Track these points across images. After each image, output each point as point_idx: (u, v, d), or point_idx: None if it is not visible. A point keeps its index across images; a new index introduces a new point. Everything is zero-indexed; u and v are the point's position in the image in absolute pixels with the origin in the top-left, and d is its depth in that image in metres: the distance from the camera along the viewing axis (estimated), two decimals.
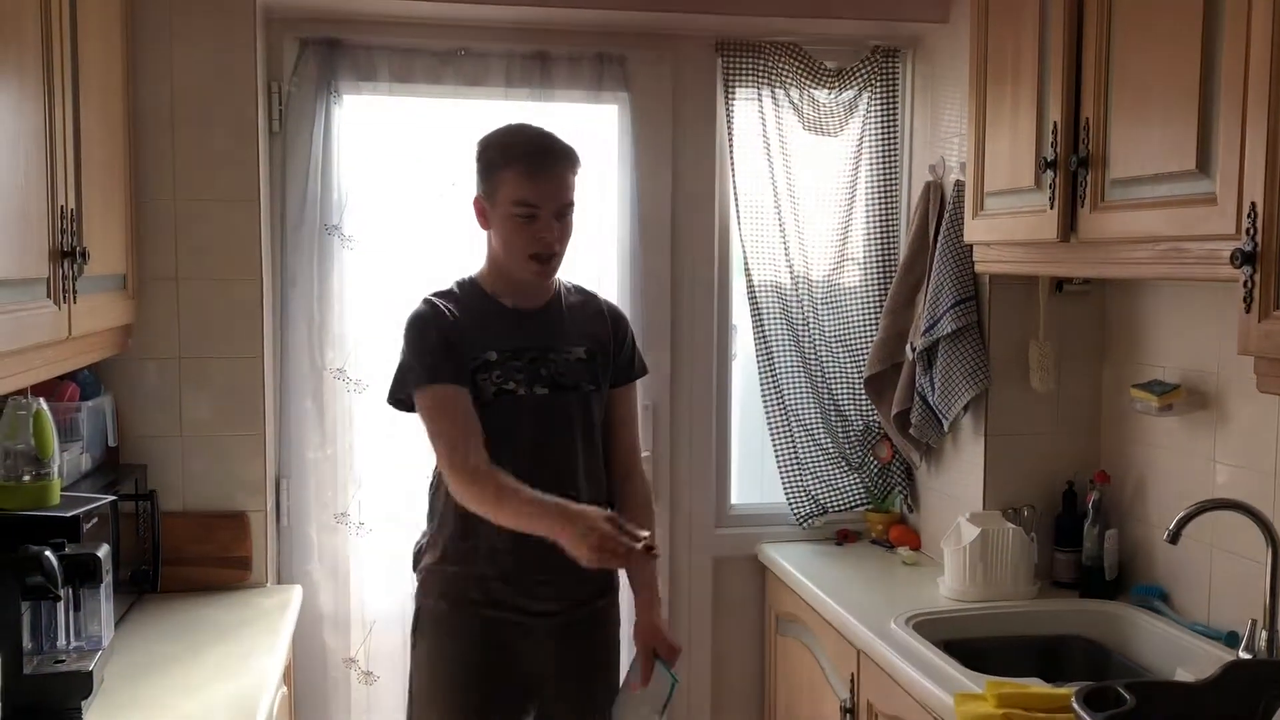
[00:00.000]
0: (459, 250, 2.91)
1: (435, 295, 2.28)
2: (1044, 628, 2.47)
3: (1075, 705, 1.69)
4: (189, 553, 2.65)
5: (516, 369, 2.23)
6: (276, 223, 2.87)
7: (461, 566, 2.23)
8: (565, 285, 2.36)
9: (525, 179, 2.13)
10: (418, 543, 2.34)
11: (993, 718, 1.80)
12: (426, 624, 2.28)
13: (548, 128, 2.24)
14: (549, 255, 2.19)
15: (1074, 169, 2.10)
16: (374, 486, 2.96)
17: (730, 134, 3.09)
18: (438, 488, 2.28)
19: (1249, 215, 1.60)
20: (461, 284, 2.30)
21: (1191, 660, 2.11)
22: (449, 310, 2.23)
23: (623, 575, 2.35)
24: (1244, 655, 1.95)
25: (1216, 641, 2.19)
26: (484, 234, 2.26)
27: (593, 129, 3.02)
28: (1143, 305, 2.59)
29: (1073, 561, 2.65)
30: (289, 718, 2.63)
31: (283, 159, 2.87)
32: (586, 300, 2.39)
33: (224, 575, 2.68)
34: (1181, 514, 1.98)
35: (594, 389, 2.30)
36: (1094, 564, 2.59)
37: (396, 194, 2.97)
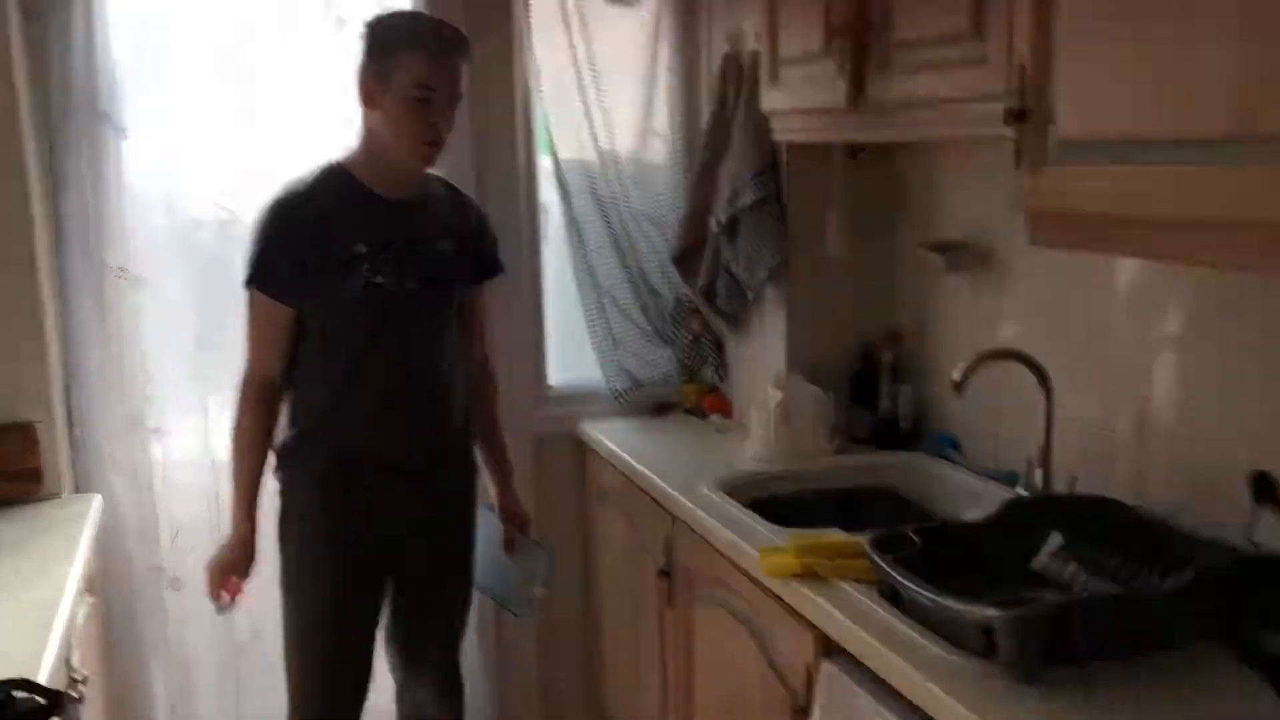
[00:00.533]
0: (254, 131, 2.79)
1: (298, 185, 2.24)
2: (844, 481, 2.59)
3: (868, 550, 1.79)
4: None
5: (387, 261, 2.23)
6: (41, 113, 2.65)
7: (320, 452, 2.30)
8: (431, 176, 2.37)
9: (429, 61, 2.16)
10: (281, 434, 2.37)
11: (792, 567, 1.89)
12: (290, 514, 2.36)
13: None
14: (439, 141, 2.21)
15: (860, 34, 2.13)
16: (168, 389, 2.84)
17: (528, 7, 3.01)
18: (288, 375, 2.31)
19: (1019, 75, 1.66)
20: (328, 170, 2.26)
21: (980, 503, 2.25)
22: (305, 208, 2.22)
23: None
24: (1021, 493, 2.09)
25: (1002, 484, 2.33)
26: (351, 121, 2.27)
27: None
28: (932, 169, 2.67)
29: (870, 418, 2.78)
30: (99, 627, 2.55)
31: (43, 41, 2.63)
32: (452, 193, 2.42)
33: (12, 489, 2.53)
34: (964, 364, 2.08)
35: (458, 283, 2.35)
36: (890, 418, 2.72)
37: (177, 75, 2.77)
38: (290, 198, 2.25)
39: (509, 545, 2.63)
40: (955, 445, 2.59)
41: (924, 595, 1.62)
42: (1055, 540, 1.79)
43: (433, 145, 2.22)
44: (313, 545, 2.35)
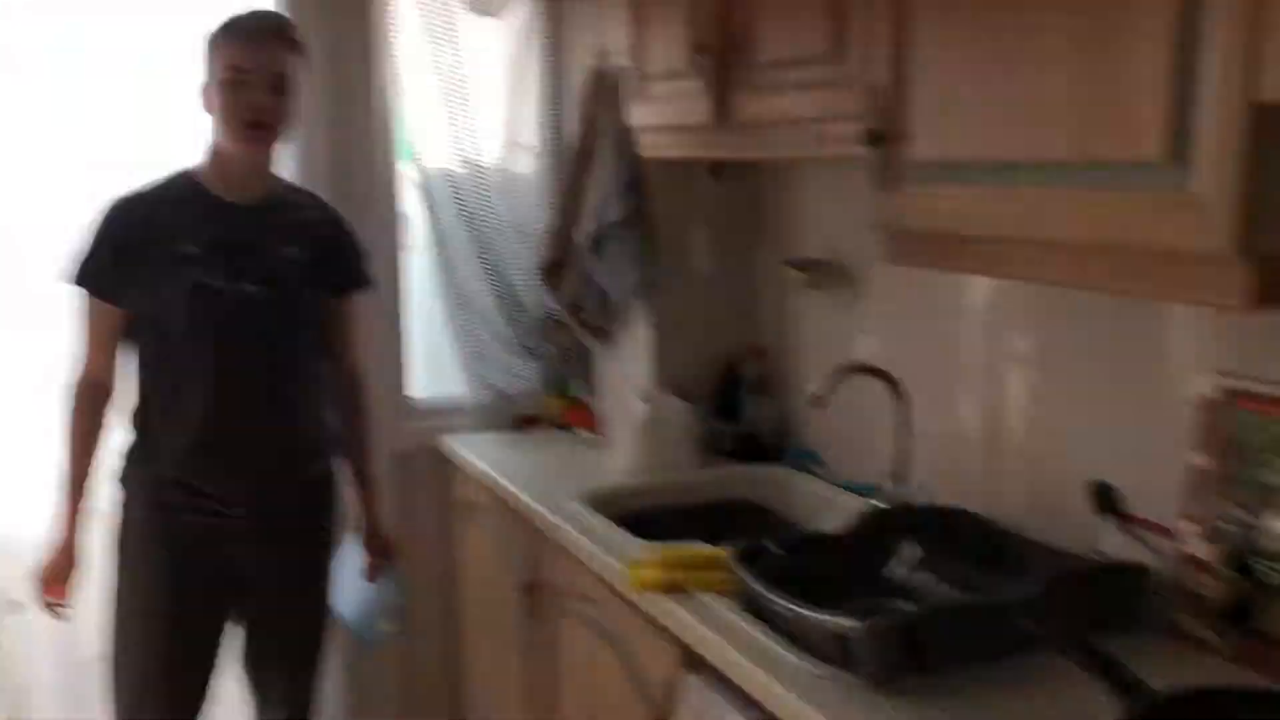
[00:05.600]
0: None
1: (135, 190, 2.21)
2: (708, 494, 2.61)
3: (730, 562, 1.80)
4: None
5: (219, 263, 2.17)
6: None
7: (151, 467, 2.21)
8: (287, 184, 2.36)
9: (237, 45, 2.15)
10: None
11: (658, 580, 1.89)
12: (121, 530, 2.26)
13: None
14: (260, 124, 2.17)
15: (724, 54, 2.16)
16: None
17: (389, 17, 2.96)
18: (133, 389, 2.25)
19: (875, 97, 1.71)
20: (173, 175, 2.24)
21: (840, 514, 2.29)
22: (138, 209, 2.18)
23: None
24: (878, 505, 2.14)
25: (861, 496, 2.39)
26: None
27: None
28: (793, 186, 2.73)
29: (734, 432, 2.81)
30: None
31: None
32: (308, 201, 2.38)
33: None
34: (823, 379, 2.12)
35: (306, 291, 2.27)
36: (752, 432, 2.76)
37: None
38: (125, 198, 2.22)
39: (370, 574, 2.57)
40: (816, 459, 2.64)
41: (782, 606, 1.64)
42: (910, 550, 1.84)
43: (254, 127, 2.17)
44: (144, 570, 2.25)
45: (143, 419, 2.25)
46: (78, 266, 2.19)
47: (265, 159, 2.26)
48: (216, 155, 2.23)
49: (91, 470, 2.24)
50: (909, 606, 1.74)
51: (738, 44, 2.13)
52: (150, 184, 2.24)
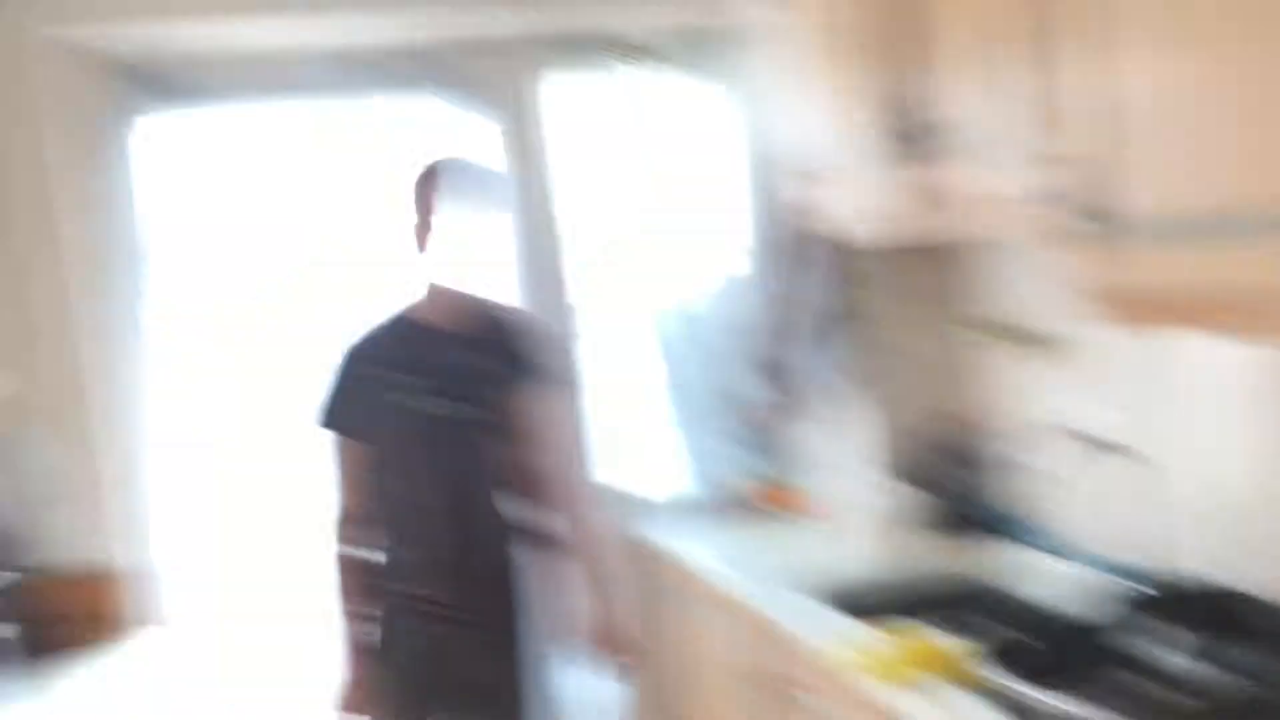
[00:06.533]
0: (280, 271, 2.84)
1: (366, 332, 2.40)
2: (931, 574, 2.48)
3: (984, 663, 1.70)
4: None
5: (423, 389, 2.32)
6: (78, 258, 2.66)
7: (402, 585, 2.34)
8: (486, 303, 2.48)
9: (450, 193, 2.30)
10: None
11: (893, 670, 1.81)
12: (387, 648, 2.37)
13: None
14: (473, 264, 2.34)
15: (919, 136, 2.10)
16: (232, 526, 2.86)
17: (596, 128, 3.08)
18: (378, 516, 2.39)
19: (1087, 166, 1.62)
20: (396, 314, 2.41)
21: (1074, 592, 2.15)
22: (364, 353, 2.36)
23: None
24: (1137, 587, 1.98)
25: (1096, 571, 2.24)
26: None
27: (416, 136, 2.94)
28: (1000, 253, 2.63)
29: (952, 507, 2.70)
30: None
31: (84, 191, 2.66)
32: (504, 316, 2.51)
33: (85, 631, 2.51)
34: (1041, 449, 2.01)
35: (514, 401, 2.40)
36: (970, 507, 2.65)
37: (209, 217, 2.85)
38: (355, 341, 2.40)
39: (607, 671, 2.57)
40: (1037, 532, 2.51)
41: (1057, 709, 1.53)
42: (1186, 638, 1.70)
43: (465, 266, 2.34)
44: (394, 677, 2.36)
45: (388, 541, 2.37)
46: (326, 411, 2.36)
47: (472, 291, 2.41)
48: (427, 289, 2.38)
49: (364, 602, 2.36)
50: (1194, 702, 1.61)
51: (935, 124, 2.07)
52: (376, 325, 2.41)
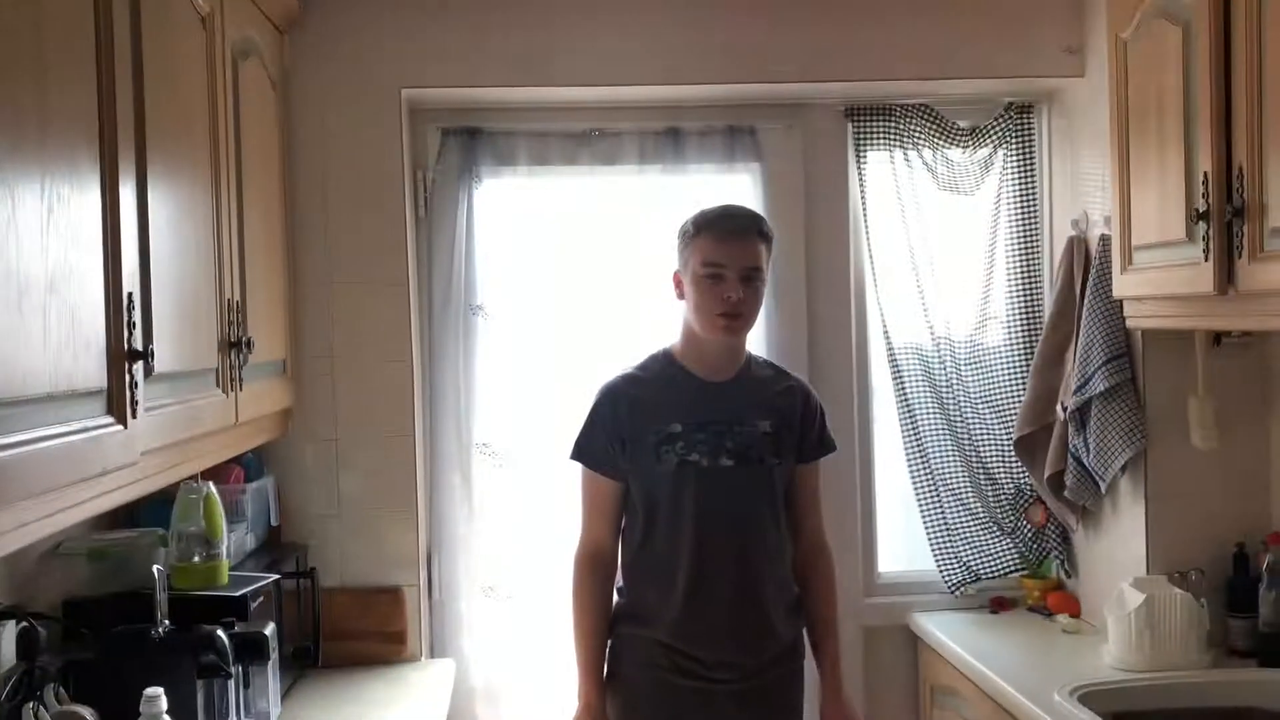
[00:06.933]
0: (596, 324, 3.00)
1: (625, 371, 2.43)
2: (1222, 700, 2.34)
3: None
4: (347, 628, 2.73)
5: (700, 440, 2.33)
6: (424, 304, 2.98)
7: (646, 632, 2.33)
8: (756, 359, 2.49)
9: (713, 241, 2.29)
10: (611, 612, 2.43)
11: None
12: (617, 689, 2.38)
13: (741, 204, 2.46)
14: (734, 314, 2.29)
15: (1229, 219, 2.02)
16: (521, 558, 3.00)
17: (863, 198, 3.09)
18: (623, 557, 2.40)
19: None
20: (655, 355, 2.44)
21: None
22: (626, 392, 2.37)
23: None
24: None
25: None
26: (675, 311, 2.41)
27: (726, 199, 3.05)
28: None
29: (1248, 628, 2.51)
30: None
31: (429, 242, 2.98)
32: (776, 375, 2.49)
33: (381, 650, 2.75)
34: None
35: (778, 463, 2.37)
36: (1272, 631, 2.44)
37: (535, 271, 3.05)
38: (616, 380, 2.40)
39: None
40: None
41: None
42: None
43: (727, 317, 2.29)
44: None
45: (634, 584, 2.38)
46: (578, 444, 2.39)
47: (738, 343, 2.40)
48: (691, 338, 2.38)
49: (603, 633, 2.39)
50: None
51: (1244, 208, 1.99)
52: (636, 365, 2.42)
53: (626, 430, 2.34)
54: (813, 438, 2.44)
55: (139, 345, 1.52)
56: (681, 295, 2.37)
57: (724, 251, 2.28)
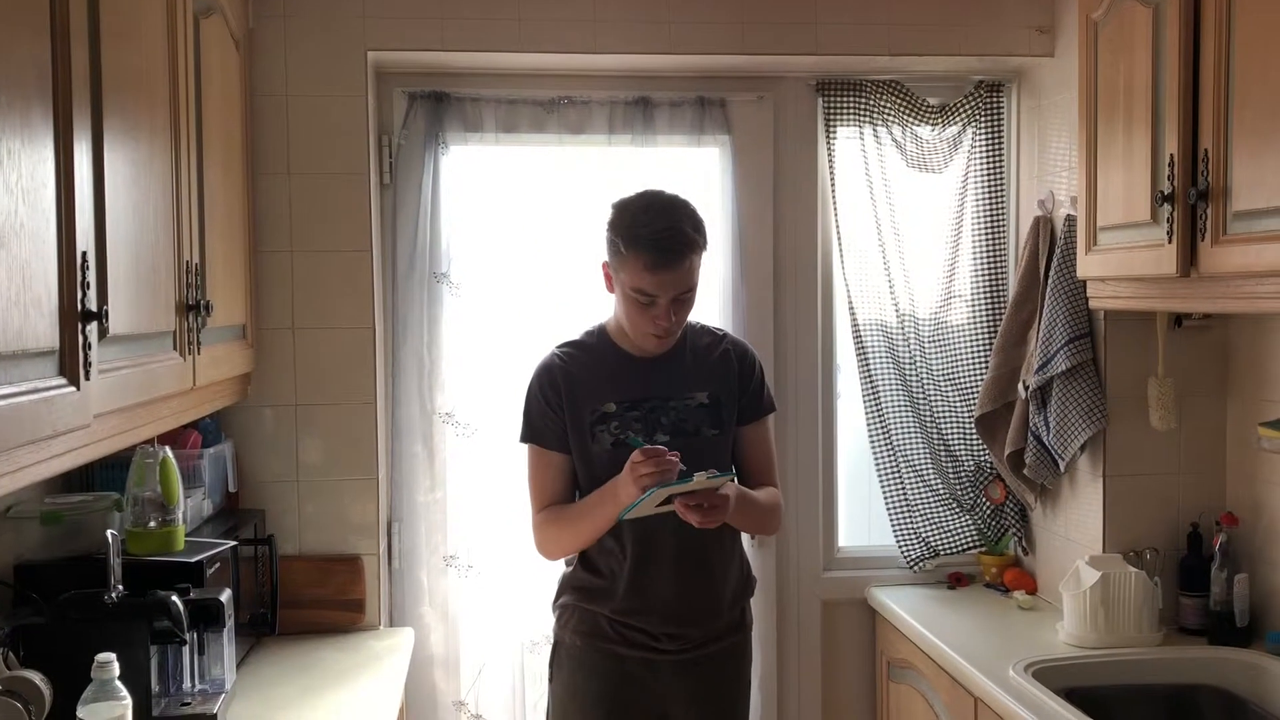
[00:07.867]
0: (564, 294, 2.98)
1: (561, 347, 2.37)
2: (1171, 676, 2.38)
3: None
4: (305, 596, 2.71)
5: (635, 419, 2.29)
6: (388, 271, 2.94)
7: (592, 604, 2.31)
8: (693, 326, 2.40)
9: (646, 271, 2.17)
10: (559, 580, 2.41)
11: None
12: (563, 659, 2.37)
13: (676, 200, 2.25)
14: (664, 334, 2.25)
15: (1193, 202, 2.04)
16: (482, 529, 2.99)
17: (832, 173, 3.08)
18: None
19: None
20: (591, 332, 2.39)
21: None
22: (562, 370, 2.32)
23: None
24: None
25: None
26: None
27: (694, 171, 3.05)
28: (1269, 340, 2.49)
29: (1200, 607, 2.55)
30: None
31: (393, 209, 2.94)
32: (713, 342, 2.41)
33: (339, 618, 2.74)
34: None
35: (716, 433, 2.33)
36: (1223, 610, 2.48)
37: (502, 241, 3.02)
38: (550, 358, 2.35)
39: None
40: None
41: None
42: None
43: (659, 337, 2.25)
44: (577, 696, 2.33)
45: (581, 560, 2.35)
46: (530, 426, 2.33)
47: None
48: (623, 325, 2.30)
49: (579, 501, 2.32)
50: None
51: (1209, 191, 2.00)
52: (571, 342, 2.37)
53: (566, 408, 2.30)
54: (750, 399, 2.39)
55: (93, 306, 1.49)
56: (611, 289, 2.29)
57: (655, 282, 2.17)
